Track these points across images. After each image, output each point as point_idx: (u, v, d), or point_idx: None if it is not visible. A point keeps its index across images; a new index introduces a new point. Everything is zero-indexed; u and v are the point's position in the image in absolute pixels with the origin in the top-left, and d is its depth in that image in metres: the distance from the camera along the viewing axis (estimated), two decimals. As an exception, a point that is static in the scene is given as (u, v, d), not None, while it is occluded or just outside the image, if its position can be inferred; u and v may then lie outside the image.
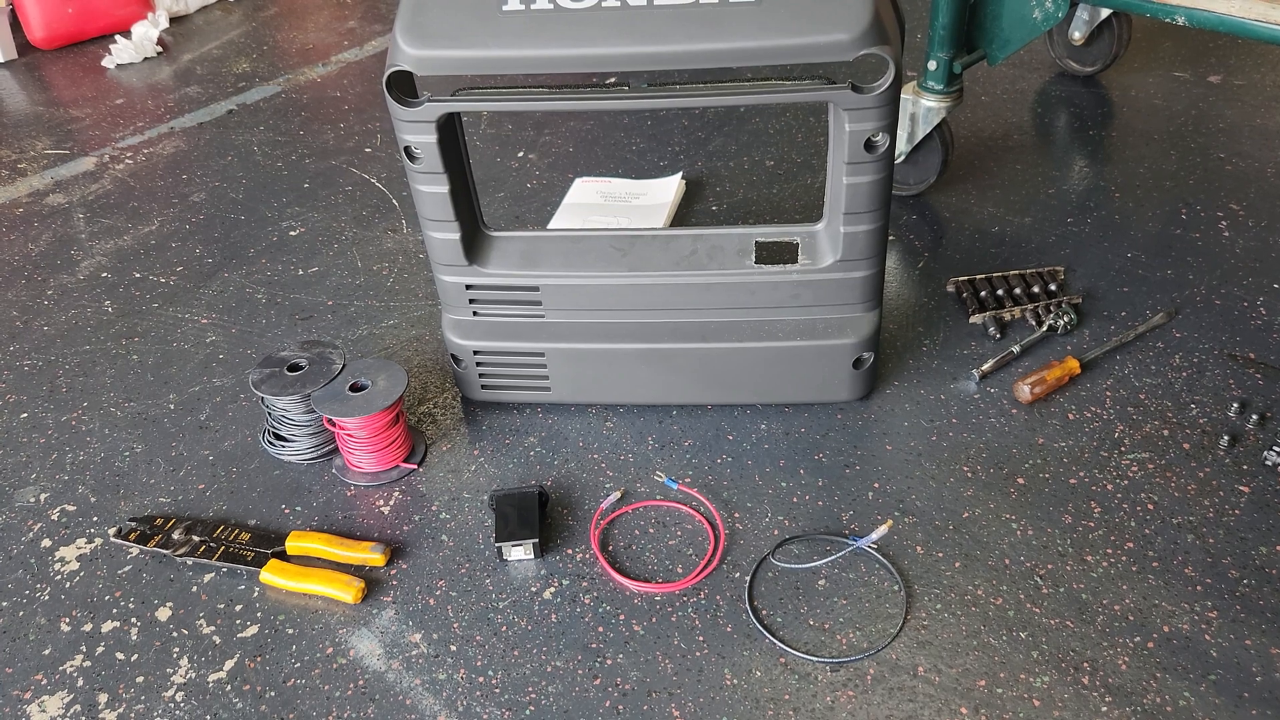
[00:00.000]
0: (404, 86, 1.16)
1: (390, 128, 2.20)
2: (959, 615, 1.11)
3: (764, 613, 1.13)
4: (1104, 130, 1.99)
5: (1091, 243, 1.66)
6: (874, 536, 1.18)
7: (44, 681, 1.11)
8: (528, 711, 1.04)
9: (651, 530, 1.23)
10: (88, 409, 1.49)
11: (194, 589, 1.20)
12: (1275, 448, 1.25)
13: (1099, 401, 1.36)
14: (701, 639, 1.10)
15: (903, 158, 1.77)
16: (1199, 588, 1.12)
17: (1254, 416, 1.31)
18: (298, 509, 1.29)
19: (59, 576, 1.23)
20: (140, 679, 1.10)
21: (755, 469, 1.30)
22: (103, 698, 1.09)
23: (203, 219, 1.93)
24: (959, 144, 1.93)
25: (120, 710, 1.07)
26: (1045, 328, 1.47)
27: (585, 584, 1.17)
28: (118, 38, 2.66)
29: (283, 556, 1.22)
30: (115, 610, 1.18)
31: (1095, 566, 1.15)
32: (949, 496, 1.24)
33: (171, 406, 1.48)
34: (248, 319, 1.65)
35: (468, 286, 1.32)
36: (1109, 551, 1.16)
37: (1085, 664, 1.05)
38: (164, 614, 1.17)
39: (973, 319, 1.50)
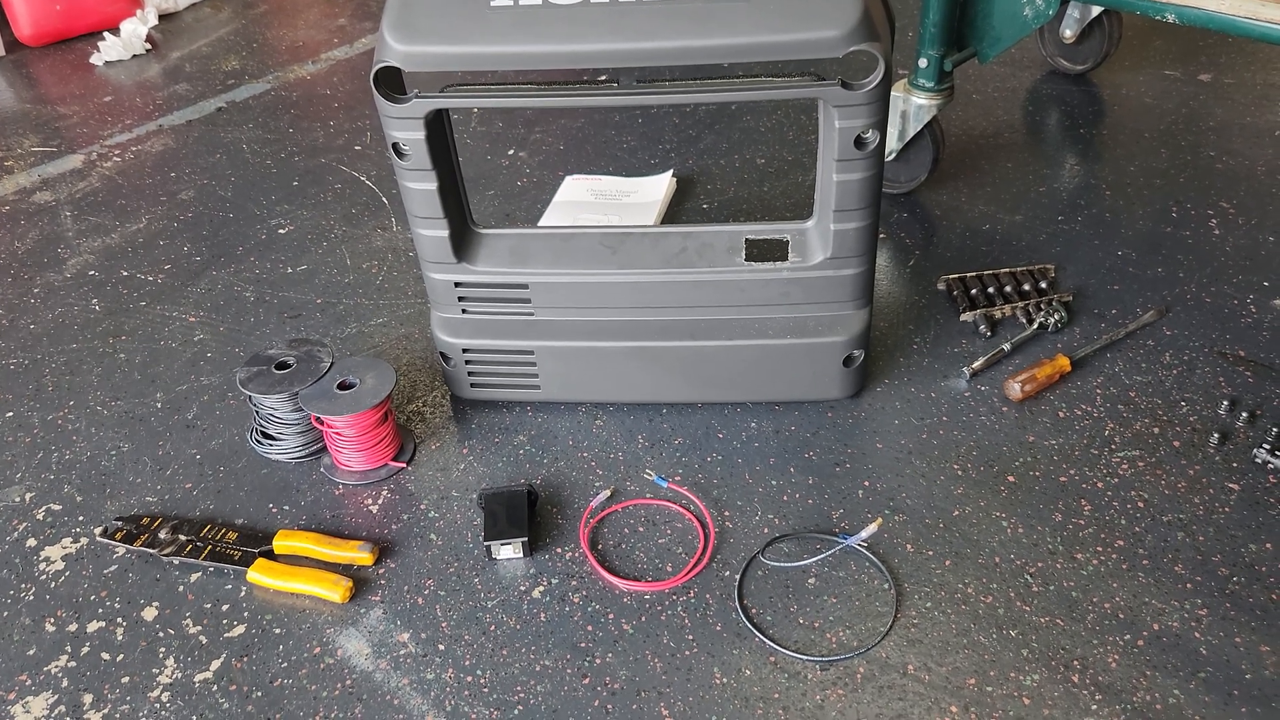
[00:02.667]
0: (392, 83, 1.16)
1: (379, 125, 2.19)
2: (949, 613, 1.10)
3: (754, 611, 1.12)
4: (1095, 128, 1.99)
5: (1082, 240, 1.66)
6: (864, 535, 1.18)
7: (28, 682, 1.10)
8: (516, 711, 1.04)
9: (641, 529, 1.23)
10: (74, 408, 1.48)
11: (180, 588, 1.19)
12: (1265, 445, 1.25)
13: (1089, 399, 1.36)
14: (691, 638, 1.10)
15: (894, 155, 1.77)
16: (1189, 585, 1.11)
17: (1244, 414, 1.31)
18: (285, 508, 1.29)
19: (44, 576, 1.22)
20: (126, 679, 1.10)
21: (745, 467, 1.30)
22: (88, 698, 1.08)
23: (191, 217, 1.92)
24: (950, 142, 1.93)
25: (105, 711, 1.07)
26: (1036, 325, 1.47)
27: (574, 583, 1.17)
28: (106, 35, 2.65)
29: (270, 556, 1.21)
30: (101, 610, 1.17)
31: (1085, 564, 1.14)
32: (939, 494, 1.24)
33: (159, 405, 1.47)
34: (236, 317, 1.64)
35: (456, 284, 1.31)
36: (1099, 549, 1.16)
37: (1075, 662, 1.05)
38: (150, 614, 1.17)
39: (963, 317, 1.50)
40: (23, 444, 1.42)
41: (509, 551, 1.20)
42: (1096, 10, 2.04)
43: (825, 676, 1.05)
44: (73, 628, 1.16)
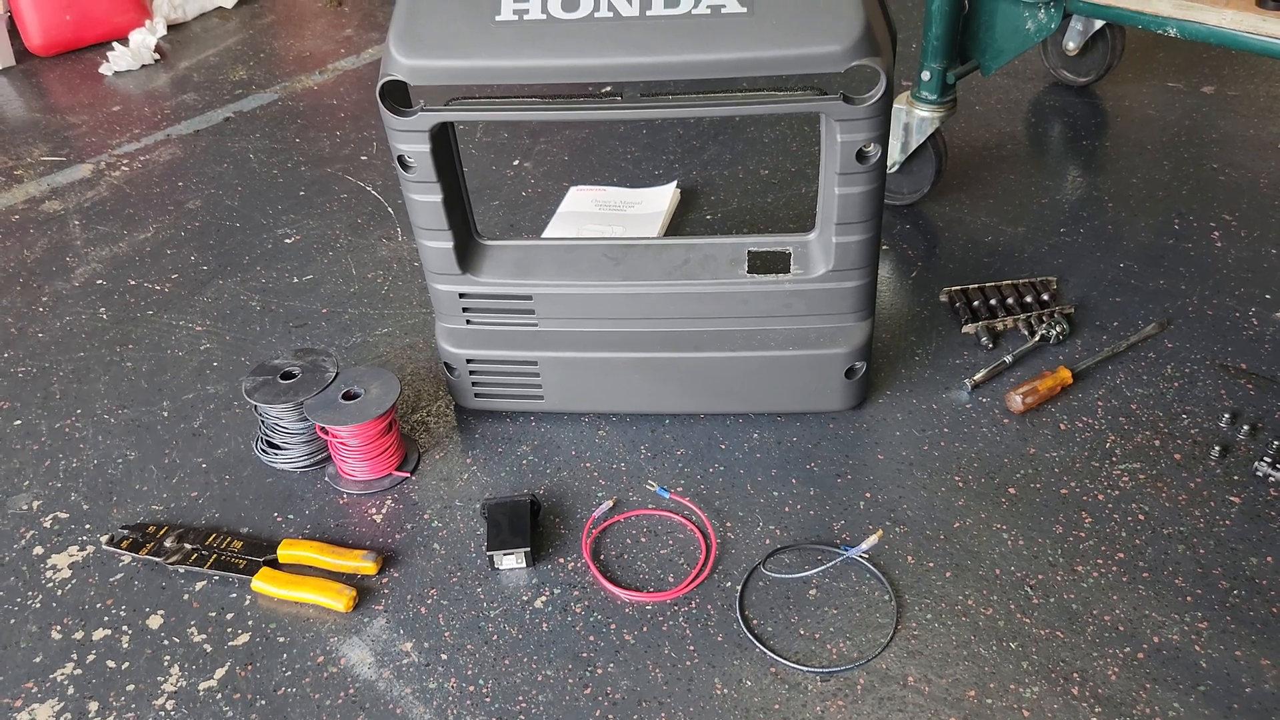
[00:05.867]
0: (398, 96, 1.16)
1: (385, 135, 2.20)
2: (949, 625, 1.11)
3: (755, 622, 1.13)
4: (1097, 140, 1.99)
5: (1084, 253, 1.67)
6: (865, 546, 1.18)
7: (34, 690, 1.11)
8: (518, 721, 1.05)
9: (643, 539, 1.24)
10: (81, 416, 1.49)
11: (185, 597, 1.20)
12: (1266, 458, 1.25)
13: (1091, 411, 1.36)
14: (692, 648, 1.10)
15: (896, 167, 1.78)
16: (1189, 598, 1.12)
17: (1245, 427, 1.31)
18: (290, 517, 1.30)
19: (50, 584, 1.23)
20: (131, 687, 1.10)
21: (747, 478, 1.30)
22: (93, 706, 1.09)
23: (198, 226, 1.93)
24: (953, 154, 1.93)
25: (111, 718, 1.07)
26: (1037, 337, 1.47)
27: (577, 593, 1.17)
28: (115, 45, 2.67)
29: (274, 565, 1.22)
30: (107, 618, 1.18)
31: (1086, 577, 1.15)
32: (940, 506, 1.24)
33: (165, 414, 1.48)
34: (242, 326, 1.65)
35: (461, 295, 1.32)
36: (1099, 562, 1.16)
37: (1075, 674, 1.05)
38: (155, 622, 1.17)
39: (965, 329, 1.51)
40: (30, 451, 1.43)
41: (511, 561, 1.20)
42: (1099, 23, 2.05)
43: (826, 688, 1.06)
44: (79, 635, 1.16)
